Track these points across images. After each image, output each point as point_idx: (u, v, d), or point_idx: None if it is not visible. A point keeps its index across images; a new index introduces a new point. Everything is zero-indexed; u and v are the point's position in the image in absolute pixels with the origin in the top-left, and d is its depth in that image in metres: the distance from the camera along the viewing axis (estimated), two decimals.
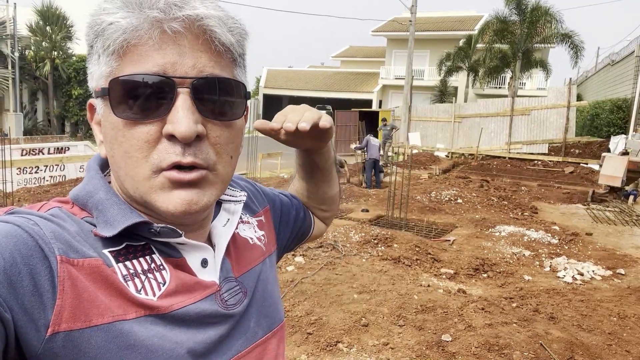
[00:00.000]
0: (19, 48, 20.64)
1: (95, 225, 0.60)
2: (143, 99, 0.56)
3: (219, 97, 0.59)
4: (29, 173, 9.74)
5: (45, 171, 10.05)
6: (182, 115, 0.56)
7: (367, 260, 5.33)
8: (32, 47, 22.77)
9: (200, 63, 0.57)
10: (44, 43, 22.65)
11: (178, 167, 0.58)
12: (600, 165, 10.54)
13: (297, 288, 4.43)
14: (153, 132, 0.57)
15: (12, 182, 7.99)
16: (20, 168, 9.45)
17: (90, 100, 0.65)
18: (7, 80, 19.51)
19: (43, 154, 10.20)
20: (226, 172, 0.63)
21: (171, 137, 0.57)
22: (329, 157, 0.93)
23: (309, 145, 0.86)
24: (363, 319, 3.87)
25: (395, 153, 11.75)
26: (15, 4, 19.27)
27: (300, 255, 5.28)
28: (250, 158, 11.59)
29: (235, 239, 0.75)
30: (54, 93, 23.45)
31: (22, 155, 9.74)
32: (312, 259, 5.23)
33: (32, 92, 23.74)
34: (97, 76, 0.59)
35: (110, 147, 0.61)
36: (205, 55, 0.58)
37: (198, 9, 0.56)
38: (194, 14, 0.56)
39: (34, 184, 9.74)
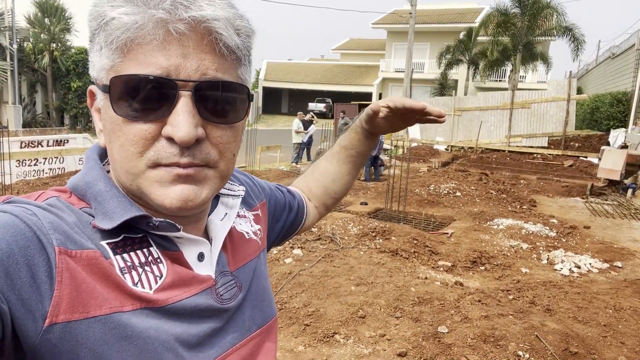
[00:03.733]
0: (18, 40, 20.56)
1: (93, 216, 0.60)
2: (144, 99, 0.56)
3: (221, 100, 0.59)
4: (28, 165, 9.73)
5: (44, 163, 10.03)
6: (183, 120, 0.56)
7: (365, 253, 5.35)
8: (31, 39, 22.68)
9: (204, 66, 0.57)
10: (42, 35, 22.56)
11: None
12: (600, 159, 10.54)
13: (295, 280, 4.45)
14: (152, 130, 0.57)
15: (10, 174, 8.00)
16: (19, 160, 9.43)
17: (91, 87, 0.65)
18: (6, 73, 19.44)
19: (42, 146, 10.18)
20: (227, 168, 0.64)
21: (170, 139, 0.57)
22: (372, 147, 1.06)
23: (392, 129, 0.99)
24: (360, 310, 3.89)
25: (395, 146, 11.75)
26: None
27: (299, 247, 5.30)
28: (249, 151, 11.58)
29: (231, 233, 0.76)
30: (53, 85, 23.39)
31: (21, 147, 9.72)
32: (310, 252, 5.24)
33: (31, 85, 23.68)
34: (99, 67, 0.59)
35: (108, 139, 0.61)
36: (209, 57, 0.57)
37: (205, 10, 0.55)
38: (200, 15, 0.55)
39: (33, 176, 9.73)
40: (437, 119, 0.89)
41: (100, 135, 0.64)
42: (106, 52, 0.57)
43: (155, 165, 0.58)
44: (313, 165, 1.11)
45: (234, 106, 0.61)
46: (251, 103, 0.67)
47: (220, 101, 0.59)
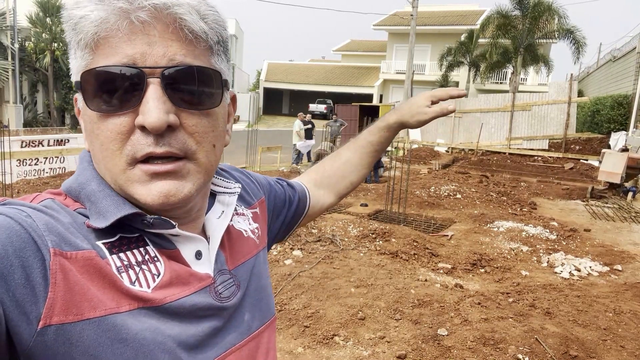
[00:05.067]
0: (19, 39, 20.57)
1: (88, 217, 0.60)
2: (113, 90, 0.56)
3: (192, 86, 0.59)
4: (29, 165, 9.73)
5: (45, 163, 10.03)
6: (152, 106, 0.56)
7: (364, 255, 5.34)
8: (32, 39, 22.68)
9: (171, 52, 0.57)
10: (44, 34, 22.55)
11: (153, 158, 0.58)
12: (600, 162, 10.53)
13: (295, 281, 4.45)
14: (126, 123, 0.57)
15: (11, 173, 8.01)
16: (20, 160, 9.43)
17: (76, 95, 0.65)
18: (7, 72, 19.46)
19: (43, 145, 10.17)
20: (209, 161, 0.63)
21: (144, 128, 0.56)
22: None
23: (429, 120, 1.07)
24: (360, 312, 3.89)
25: (395, 148, 11.74)
26: None
27: (299, 249, 5.30)
28: (249, 151, 11.58)
29: (229, 231, 0.75)
30: (54, 85, 23.39)
31: (22, 147, 9.72)
32: (310, 253, 5.24)
33: (32, 84, 23.68)
34: (75, 70, 0.59)
35: (90, 140, 0.61)
36: (176, 44, 0.57)
37: None
38: (161, 2, 0.55)
39: (34, 175, 9.73)
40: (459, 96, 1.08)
41: (86, 140, 0.64)
42: (79, 52, 0.58)
43: (134, 161, 0.57)
44: (334, 155, 1.15)
45: (207, 92, 0.61)
46: (227, 93, 0.66)
47: (191, 87, 0.59)
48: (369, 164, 1.14)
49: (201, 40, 0.59)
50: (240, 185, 0.80)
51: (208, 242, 0.70)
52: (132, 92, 0.56)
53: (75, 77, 0.60)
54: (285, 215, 0.99)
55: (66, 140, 10.75)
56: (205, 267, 0.67)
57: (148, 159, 0.58)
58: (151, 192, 0.58)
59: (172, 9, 0.56)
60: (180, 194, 0.59)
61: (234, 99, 0.71)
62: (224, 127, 0.67)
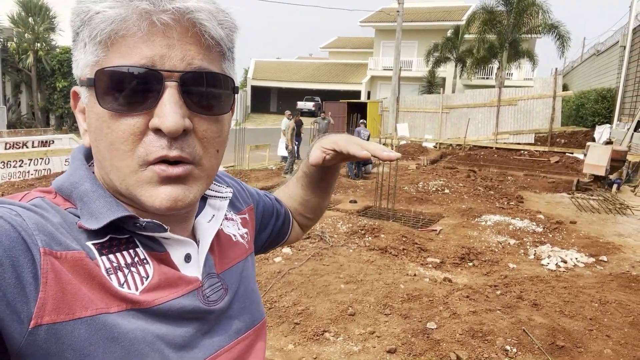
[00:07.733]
0: (1, 40, 20.26)
1: (79, 217, 0.60)
2: (130, 91, 0.55)
3: (207, 91, 0.59)
4: (13, 167, 9.59)
5: (29, 165, 9.89)
6: (170, 110, 0.55)
7: (354, 251, 5.36)
8: (15, 39, 22.34)
9: (189, 56, 0.57)
10: (26, 34, 22.24)
11: (164, 161, 0.57)
12: (585, 155, 10.67)
13: (285, 279, 4.45)
14: (139, 124, 0.56)
15: None
16: (4, 162, 9.30)
17: (75, 88, 0.64)
18: None
19: (27, 147, 10.03)
20: (211, 166, 0.63)
21: (158, 131, 0.56)
22: (338, 173, 1.01)
23: (339, 162, 0.89)
24: (350, 308, 3.90)
25: (384, 144, 11.79)
26: None
27: (288, 246, 5.30)
28: (238, 150, 11.54)
29: (219, 235, 0.75)
30: (38, 85, 23.08)
31: (5, 148, 9.58)
32: (299, 250, 5.25)
33: (15, 85, 23.33)
34: (83, 64, 0.58)
35: (94, 138, 0.60)
36: (194, 49, 0.57)
37: (188, 2, 0.55)
38: (184, 6, 0.55)
39: (19, 177, 9.59)
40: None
41: (85, 135, 0.63)
42: (90, 47, 0.57)
43: (146, 163, 0.57)
44: (285, 185, 1.08)
45: (220, 98, 0.61)
46: (236, 97, 0.66)
47: (206, 92, 0.59)
48: (314, 194, 1.01)
49: (217, 46, 0.60)
50: (231, 190, 0.80)
51: (197, 246, 0.70)
52: (148, 93, 0.56)
53: (81, 71, 0.59)
54: (273, 227, 0.99)
55: (51, 142, 10.61)
56: (194, 270, 0.67)
57: (159, 161, 0.58)
58: (159, 195, 0.58)
59: (194, 14, 0.56)
60: (187, 199, 0.60)
61: (233, 100, 0.72)
62: (228, 132, 0.67)
